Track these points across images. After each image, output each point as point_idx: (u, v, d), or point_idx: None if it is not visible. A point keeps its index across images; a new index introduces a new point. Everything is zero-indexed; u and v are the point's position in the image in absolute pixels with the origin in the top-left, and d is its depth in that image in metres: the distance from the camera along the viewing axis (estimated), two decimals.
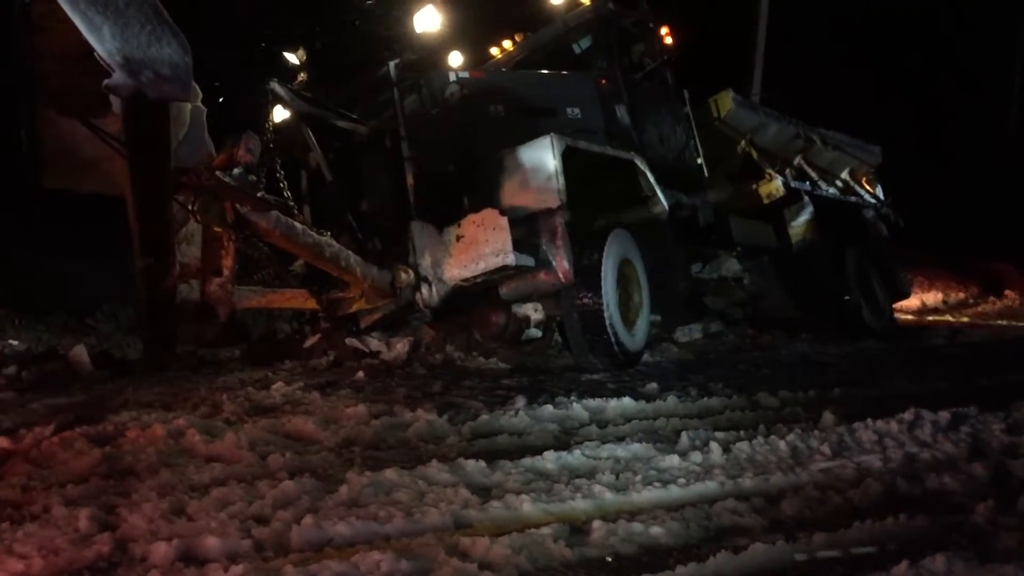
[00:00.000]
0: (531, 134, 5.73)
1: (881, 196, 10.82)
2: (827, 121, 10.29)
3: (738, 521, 2.58)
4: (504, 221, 5.38)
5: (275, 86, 5.57)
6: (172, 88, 3.61)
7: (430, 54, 6.52)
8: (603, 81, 7.13)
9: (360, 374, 5.39)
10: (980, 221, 17.23)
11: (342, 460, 3.30)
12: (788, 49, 18.14)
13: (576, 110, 6.72)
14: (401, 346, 6.30)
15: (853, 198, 10.31)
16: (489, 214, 5.45)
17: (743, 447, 3.38)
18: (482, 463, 3.12)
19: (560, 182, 5.49)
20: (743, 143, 8.80)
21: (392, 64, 5.96)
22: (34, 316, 8.35)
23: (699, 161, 7.91)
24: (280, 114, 5.83)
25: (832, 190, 9.93)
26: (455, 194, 5.77)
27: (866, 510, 2.63)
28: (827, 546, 2.31)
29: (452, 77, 6.15)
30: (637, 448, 3.43)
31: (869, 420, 3.73)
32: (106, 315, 8.64)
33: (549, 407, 4.24)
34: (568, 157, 5.62)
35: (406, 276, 5.57)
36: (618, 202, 6.44)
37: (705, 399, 4.64)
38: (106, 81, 3.49)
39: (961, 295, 15.25)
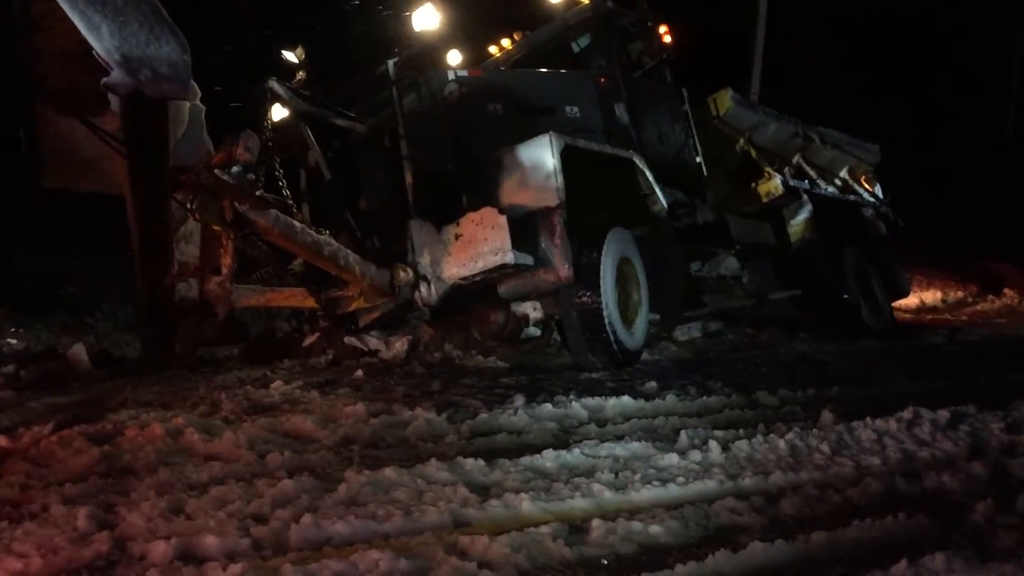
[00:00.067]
0: (530, 132, 5.73)
1: (880, 195, 10.82)
2: (826, 119, 10.29)
3: (737, 520, 2.58)
4: (503, 220, 5.38)
5: (274, 84, 5.57)
6: (170, 86, 3.60)
7: (429, 52, 6.51)
8: (602, 80, 7.13)
9: (359, 373, 5.39)
10: (979, 220, 17.24)
11: (341, 459, 3.30)
12: (787, 48, 18.15)
13: (575, 109, 6.72)
14: (400, 345, 6.30)
15: (852, 197, 10.31)
16: (488, 213, 5.45)
17: (742, 446, 3.38)
18: (481, 462, 3.12)
19: (559, 181, 5.49)
20: (742, 142, 8.80)
21: (391, 62, 5.95)
22: (33, 315, 8.33)
23: (698, 160, 7.91)
24: (279, 112, 5.83)
25: (831, 189, 9.93)
26: (454, 193, 5.76)
27: (865, 509, 2.64)
28: (826, 545, 2.31)
29: (451, 75, 6.15)
30: (636, 447, 3.43)
31: (868, 419, 3.73)
32: (105, 314, 8.63)
33: (548, 406, 4.24)
34: (567, 156, 5.62)
35: (405, 275, 5.56)
36: (617, 201, 6.43)
37: (704, 398, 4.64)
38: (104, 80, 3.49)
39: (960, 294, 15.25)
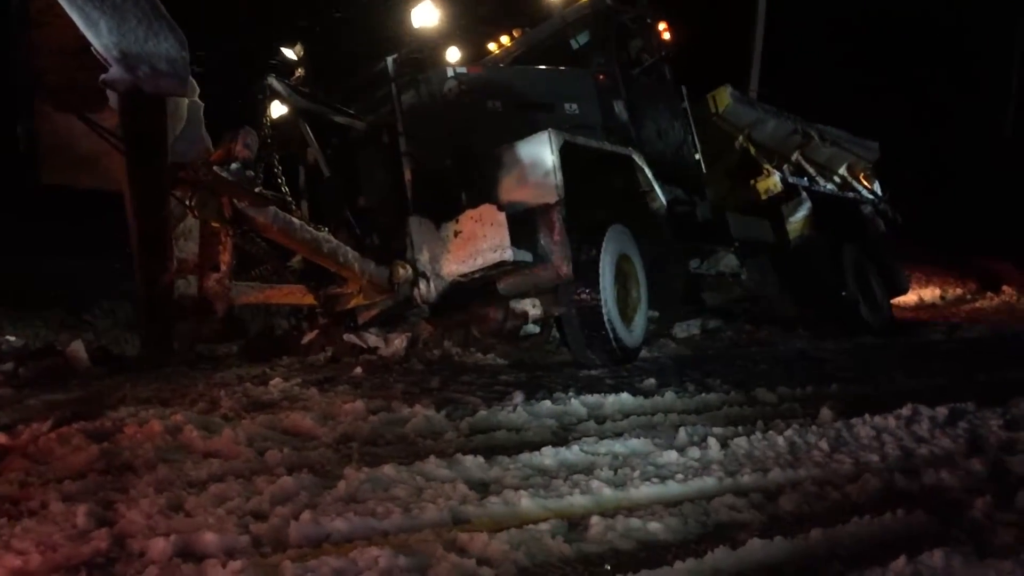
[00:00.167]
0: (529, 130, 5.72)
1: (879, 192, 10.82)
2: (825, 117, 10.29)
3: (736, 517, 2.58)
4: (502, 217, 5.37)
5: (273, 81, 5.56)
6: (169, 83, 3.60)
7: (428, 50, 6.50)
8: (601, 77, 7.12)
9: (358, 370, 5.39)
10: (978, 218, 17.24)
11: (340, 456, 3.30)
12: (786, 45, 18.14)
13: (574, 106, 6.71)
14: (399, 342, 6.30)
15: (851, 194, 10.31)
16: (487, 210, 5.45)
17: (741, 443, 3.39)
18: (480, 459, 3.12)
19: (558, 178, 5.48)
20: (741, 139, 8.79)
21: (390, 59, 5.95)
22: (31, 312, 8.33)
23: (697, 157, 7.91)
24: (278, 109, 5.82)
25: (830, 186, 9.93)
26: (453, 190, 5.76)
27: (864, 506, 2.64)
28: (825, 541, 2.31)
29: (450, 73, 6.14)
30: (635, 444, 3.43)
31: (867, 416, 3.73)
32: (104, 311, 8.62)
33: (547, 403, 4.24)
34: (566, 153, 5.62)
35: (404, 272, 5.56)
36: (616, 198, 6.43)
37: (703, 395, 4.65)
38: (103, 76, 3.48)
39: (959, 291, 15.26)
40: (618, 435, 3.62)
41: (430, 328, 6.63)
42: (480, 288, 5.80)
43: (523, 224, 5.49)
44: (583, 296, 5.70)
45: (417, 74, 6.08)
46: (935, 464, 3.09)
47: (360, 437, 3.59)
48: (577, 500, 2.72)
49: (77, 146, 4.15)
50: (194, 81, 4.01)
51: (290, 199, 5.27)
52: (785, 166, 9.20)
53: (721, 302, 8.36)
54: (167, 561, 2.18)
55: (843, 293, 8.82)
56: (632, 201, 6.52)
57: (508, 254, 5.32)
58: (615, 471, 3.03)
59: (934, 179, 17.72)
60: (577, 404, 4.25)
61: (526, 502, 2.65)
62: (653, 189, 6.49)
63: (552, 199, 5.49)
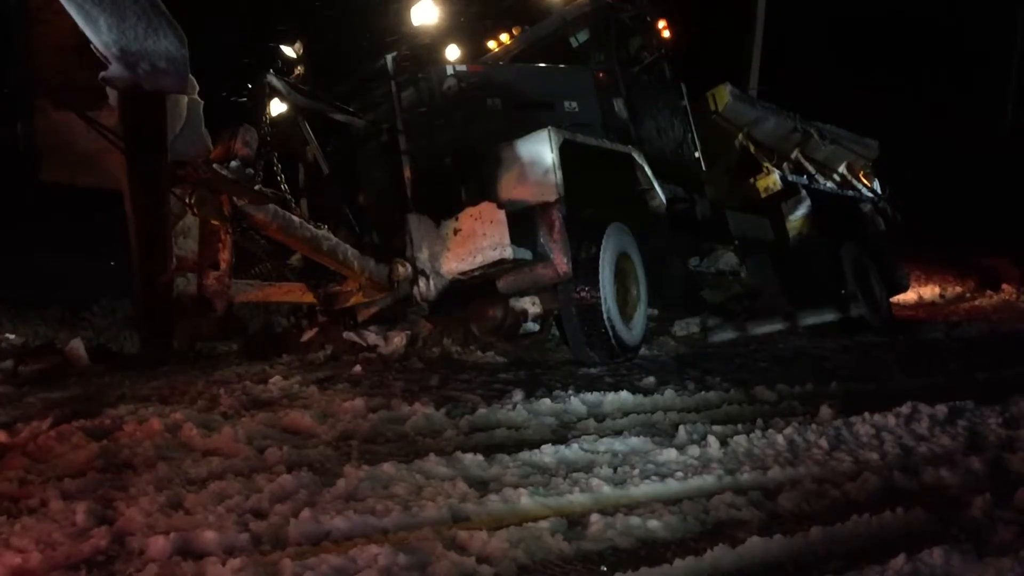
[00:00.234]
0: (529, 128, 5.72)
1: (878, 190, 10.82)
2: (824, 115, 10.28)
3: (735, 515, 2.58)
4: (502, 215, 5.37)
5: (272, 79, 5.56)
6: (169, 80, 3.59)
7: (427, 47, 6.50)
8: (601, 75, 7.11)
9: (357, 368, 5.39)
10: (977, 216, 17.24)
11: (339, 454, 3.30)
12: (786, 43, 18.13)
13: (574, 104, 6.70)
14: (399, 340, 6.30)
15: (850, 192, 10.31)
16: (487, 208, 5.45)
17: (740, 441, 3.39)
18: (480, 457, 3.13)
19: (558, 176, 5.48)
20: (740, 137, 8.79)
21: (389, 57, 5.94)
22: (31, 310, 8.33)
23: (696, 155, 7.91)
24: (277, 107, 5.81)
25: (829, 184, 9.92)
26: (453, 187, 5.76)
27: (863, 504, 2.64)
28: (824, 539, 2.31)
29: (449, 70, 6.14)
30: (635, 442, 3.43)
31: (866, 414, 3.73)
32: (103, 309, 8.62)
33: (547, 401, 4.24)
34: (566, 151, 5.62)
35: (404, 270, 5.56)
36: (616, 196, 6.43)
37: (703, 393, 4.65)
38: (102, 73, 3.48)
39: (958, 289, 15.25)
40: (618, 433, 3.63)
41: (430, 326, 6.63)
42: (480, 286, 5.80)
43: (523, 222, 5.49)
44: (583, 294, 5.69)
45: (417, 72, 6.08)
46: (934, 462, 3.09)
47: (360, 435, 3.59)
48: (577, 498, 2.72)
49: (76, 144, 4.14)
50: (193, 79, 4.00)
51: (289, 197, 5.27)
52: (784, 164, 9.19)
53: (721, 300, 8.36)
54: (167, 559, 2.18)
55: (843, 291, 8.81)
56: (632, 199, 6.52)
57: (508, 252, 5.32)
58: (615, 469, 3.03)
59: (934, 177, 17.70)
60: (577, 402, 4.25)
61: (526, 500, 2.65)
62: (653, 187, 6.49)
63: (552, 197, 5.49)
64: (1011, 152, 20.24)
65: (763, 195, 8.59)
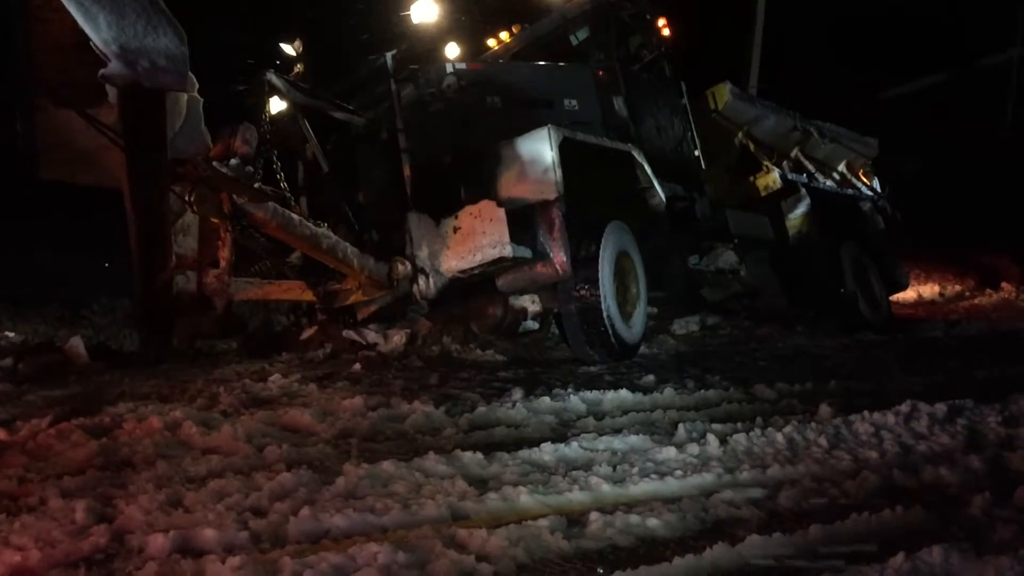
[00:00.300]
0: (528, 125, 5.71)
1: (878, 188, 10.82)
2: (824, 113, 10.27)
3: (735, 513, 2.58)
4: (501, 213, 5.38)
5: (272, 77, 5.55)
6: (168, 78, 3.59)
7: (427, 45, 6.49)
8: (600, 73, 7.11)
9: (357, 366, 5.39)
10: (977, 214, 17.23)
11: (339, 452, 3.30)
12: (786, 41, 18.11)
13: (573, 102, 6.70)
14: (398, 338, 6.30)
15: (850, 190, 10.31)
16: (486, 206, 5.45)
17: (740, 439, 3.39)
18: (479, 455, 3.12)
19: (557, 174, 5.48)
20: (740, 135, 8.79)
21: (389, 55, 5.94)
22: (30, 308, 8.33)
23: (696, 153, 7.91)
24: (277, 105, 5.81)
25: (829, 182, 9.93)
26: (452, 186, 5.75)
27: (863, 502, 2.64)
28: (823, 538, 2.31)
29: (449, 68, 6.13)
30: (634, 440, 3.43)
31: (866, 412, 3.73)
32: (103, 307, 8.63)
33: (546, 399, 4.24)
34: (566, 149, 5.61)
35: (403, 268, 5.56)
36: (616, 194, 6.43)
37: (702, 391, 4.65)
38: (102, 71, 3.48)
39: (958, 288, 15.26)
40: (617, 431, 3.63)
41: (429, 324, 6.63)
42: (479, 284, 5.80)
43: (522, 220, 5.49)
44: (582, 292, 5.70)
45: (416, 70, 6.08)
46: (934, 461, 3.09)
47: (359, 433, 3.59)
48: (576, 496, 2.72)
49: (76, 142, 4.14)
50: (193, 76, 4.00)
51: (289, 195, 5.26)
52: (784, 162, 9.19)
53: (720, 298, 8.36)
54: (166, 557, 2.18)
55: (842, 290, 8.81)
56: (631, 197, 6.52)
57: (507, 250, 5.32)
58: (614, 467, 3.03)
59: (933, 174, 17.69)
60: (576, 400, 4.25)
61: (525, 498, 2.65)
62: (652, 185, 6.49)
63: (552, 195, 5.49)
64: (1011, 152, 20.22)
65: (763, 193, 8.58)
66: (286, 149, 5.91)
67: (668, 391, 4.56)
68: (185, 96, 4.05)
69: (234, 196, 4.64)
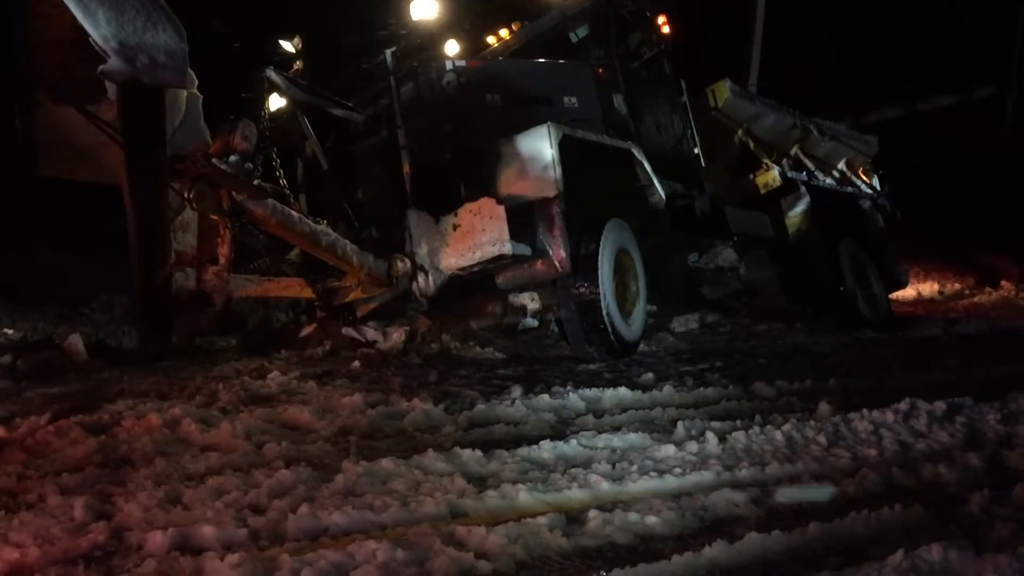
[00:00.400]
0: (528, 123, 5.72)
1: (878, 186, 10.81)
2: (824, 111, 10.27)
3: (734, 511, 2.58)
4: (501, 210, 5.37)
5: (271, 74, 5.55)
6: (167, 74, 3.59)
7: (427, 42, 6.48)
8: (600, 70, 7.11)
9: (356, 363, 5.39)
10: (977, 213, 17.23)
11: (338, 449, 3.30)
12: (786, 39, 18.10)
13: (573, 99, 6.70)
14: (397, 335, 6.30)
15: (850, 188, 10.31)
16: (486, 203, 5.45)
17: (739, 437, 3.38)
18: (478, 452, 3.12)
19: (557, 171, 5.48)
20: (740, 133, 8.79)
21: (389, 52, 5.93)
22: (29, 305, 8.33)
23: (696, 151, 7.90)
24: (276, 102, 5.81)
25: (829, 180, 9.92)
26: (452, 183, 5.75)
27: (862, 500, 2.64)
28: (822, 536, 2.31)
29: (449, 66, 6.13)
30: (633, 438, 3.43)
31: (865, 410, 3.73)
32: (102, 304, 8.62)
33: (545, 397, 4.24)
34: (565, 146, 5.61)
35: (402, 265, 5.56)
36: (615, 192, 6.43)
37: (701, 389, 4.65)
38: (101, 67, 3.48)
39: (957, 286, 15.26)
40: (616, 429, 3.62)
41: (428, 322, 6.63)
42: (479, 282, 5.80)
43: (522, 218, 5.49)
44: (582, 290, 5.70)
45: (416, 67, 6.07)
46: (933, 459, 3.09)
47: (358, 431, 3.59)
48: (575, 494, 2.72)
49: (75, 138, 4.14)
50: (192, 72, 4.00)
51: (288, 192, 5.26)
52: (784, 160, 9.18)
53: (720, 296, 8.36)
54: (165, 554, 2.18)
55: (841, 288, 8.82)
56: (631, 195, 6.52)
57: (507, 248, 5.32)
58: (613, 465, 3.03)
59: (933, 172, 17.68)
60: (575, 398, 4.25)
61: (524, 496, 2.65)
62: (652, 183, 6.49)
63: (551, 193, 5.49)
64: (1011, 148, 20.22)
65: (762, 191, 8.59)
66: (285, 146, 5.91)
67: (667, 389, 4.56)
68: (184, 92, 4.06)
69: (233, 193, 4.64)
